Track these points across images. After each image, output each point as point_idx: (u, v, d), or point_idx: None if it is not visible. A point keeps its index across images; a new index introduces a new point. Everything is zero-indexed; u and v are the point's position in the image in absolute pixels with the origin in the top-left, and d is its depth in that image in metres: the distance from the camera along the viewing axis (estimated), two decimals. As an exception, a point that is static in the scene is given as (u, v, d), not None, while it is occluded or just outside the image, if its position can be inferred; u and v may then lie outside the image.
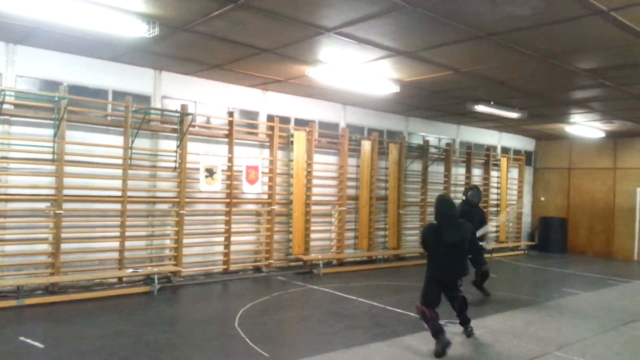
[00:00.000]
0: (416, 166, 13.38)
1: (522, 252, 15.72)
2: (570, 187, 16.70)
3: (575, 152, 16.57)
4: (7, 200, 7.53)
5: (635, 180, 15.15)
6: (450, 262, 5.74)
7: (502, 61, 7.63)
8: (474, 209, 8.70)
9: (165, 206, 9.21)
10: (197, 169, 9.21)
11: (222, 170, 9.54)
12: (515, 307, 7.99)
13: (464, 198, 8.96)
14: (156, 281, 8.26)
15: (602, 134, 14.70)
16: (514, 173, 16.46)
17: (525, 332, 6.57)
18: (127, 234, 8.47)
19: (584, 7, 5.27)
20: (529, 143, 17.48)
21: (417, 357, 5.44)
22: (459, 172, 14.68)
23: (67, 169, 7.86)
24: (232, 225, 9.78)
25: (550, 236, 16.38)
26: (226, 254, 9.73)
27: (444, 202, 5.95)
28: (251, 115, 10.49)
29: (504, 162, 15.61)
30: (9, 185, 7.57)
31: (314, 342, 5.99)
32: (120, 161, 8.42)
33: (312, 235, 11.04)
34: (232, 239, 9.79)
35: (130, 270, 8.38)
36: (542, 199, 17.36)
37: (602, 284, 10.73)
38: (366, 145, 11.97)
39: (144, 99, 9.00)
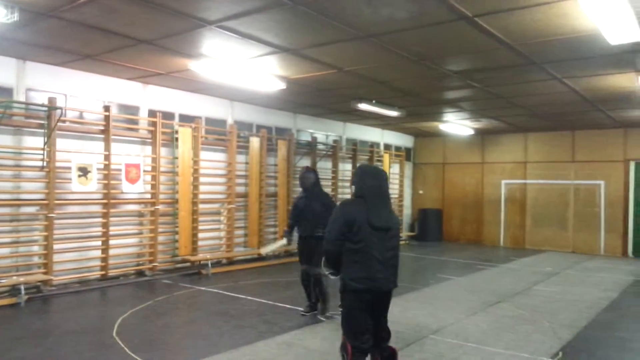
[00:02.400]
0: (305, 162, 13.56)
1: (404, 242, 16.68)
2: (444, 180, 18.04)
3: (448, 148, 17.92)
4: None
5: (500, 174, 16.76)
6: (386, 259, 3.97)
7: (381, 62, 7.97)
8: (314, 195, 7.15)
9: (32, 209, 8.36)
10: (69, 168, 8.48)
11: (98, 169, 8.88)
12: (395, 294, 8.42)
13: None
14: (23, 292, 7.48)
15: (472, 132, 16.05)
16: (396, 168, 17.39)
17: (403, 318, 6.95)
18: (-15, 241, 7.57)
19: (452, 12, 5.67)
20: (409, 140, 18.57)
21: (305, 352, 5.51)
22: (346, 167, 15.17)
23: None
24: (111, 228, 9.15)
25: (427, 226, 17.59)
26: (104, 259, 9.09)
27: (371, 170, 4.28)
28: (131, 110, 9.90)
29: (386, 157, 16.42)
30: None
31: (200, 345, 5.81)
32: (-25, 160, 7.49)
33: (200, 235, 10.72)
34: (111, 242, 9.17)
35: (-9, 281, 7.50)
36: (421, 192, 18.55)
37: (472, 269, 11.73)
38: (255, 142, 11.89)
39: (6, 91, 8.08)
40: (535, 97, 10.55)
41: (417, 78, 9.09)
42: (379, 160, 16.26)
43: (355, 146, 15.35)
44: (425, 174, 18.53)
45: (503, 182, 16.70)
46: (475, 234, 17.23)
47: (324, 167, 14.25)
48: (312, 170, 7.52)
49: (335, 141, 14.66)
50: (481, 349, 5.72)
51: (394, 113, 11.98)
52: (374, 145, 16.28)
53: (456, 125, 14.93)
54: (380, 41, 6.85)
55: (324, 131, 14.68)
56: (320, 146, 14.12)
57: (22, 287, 7.53)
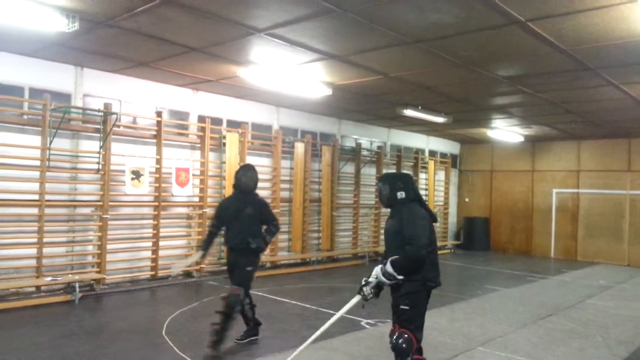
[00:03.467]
0: (349, 168, 13.57)
1: (449, 250, 16.37)
2: (492, 188, 17.60)
3: (496, 155, 17.48)
4: None
5: (551, 182, 16.20)
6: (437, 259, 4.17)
7: (428, 67, 7.89)
8: (248, 198, 5.96)
9: (87, 210, 8.74)
10: (123, 171, 8.81)
11: (150, 173, 9.19)
12: (441, 304, 8.26)
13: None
14: (77, 289, 7.82)
15: (522, 138, 15.60)
16: (441, 175, 17.11)
17: (450, 328, 6.81)
18: (45, 239, 7.94)
19: (503, 16, 5.55)
20: (455, 146, 18.25)
21: (349, 358, 5.49)
22: (390, 174, 15.02)
23: (-24, 171, 7.26)
24: (161, 230, 9.44)
25: (474, 235, 17.19)
26: (154, 260, 9.38)
27: (408, 176, 4.42)
28: (181, 115, 10.19)
29: (431, 164, 16.18)
30: None
31: (244, 347, 5.89)
32: (37, 162, 7.90)
33: (245, 239, 10.86)
34: (161, 243, 9.46)
35: (49, 278, 7.87)
36: (467, 199, 18.16)
37: (522, 280, 11.37)
38: (300, 148, 11.98)
39: (64, 97, 8.50)
40: (590, 103, 10.16)
41: (464, 83, 8.94)
42: (423, 167, 16.05)
43: (399, 152, 15.21)
44: (472, 182, 18.14)
45: (554, 190, 16.13)
46: (525, 244, 16.69)
47: (368, 173, 14.19)
48: (253, 167, 6.11)
49: (379, 147, 14.59)
50: (531, 363, 5.53)
51: (440, 119, 11.81)
52: (418, 151, 16.09)
53: (505, 131, 14.56)
54: (427, 46, 6.78)
55: (368, 137, 14.63)
56: (364, 152, 14.08)
57: (77, 285, 7.85)
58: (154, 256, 9.37)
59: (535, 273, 12.41)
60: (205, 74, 8.87)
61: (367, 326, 6.82)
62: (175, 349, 5.66)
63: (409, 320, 3.98)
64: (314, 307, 7.88)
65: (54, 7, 5.64)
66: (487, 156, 17.71)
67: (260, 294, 8.80)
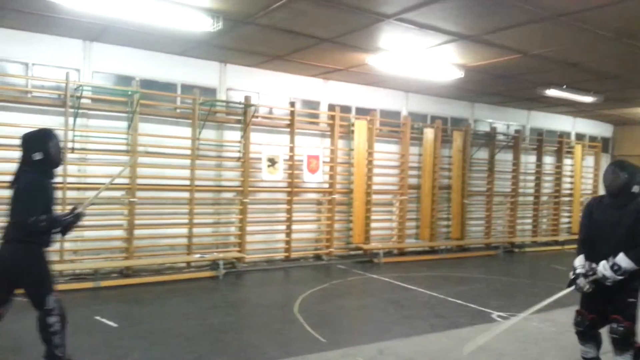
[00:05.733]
0: (482, 154, 12.96)
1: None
2: (652, 176, 15.53)
3: (659, 138, 15.39)
4: (85, 189, 8.07)
5: None
6: None
7: (573, 42, 7.22)
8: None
9: (230, 195, 9.53)
10: (260, 159, 9.44)
11: (284, 160, 9.71)
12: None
13: None
14: (221, 266, 8.59)
15: (691, 119, 13.55)
16: (589, 161, 15.54)
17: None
18: (194, 221, 8.85)
19: (665, -20, 4.88)
20: (607, 129, 16.42)
21: (478, 349, 5.32)
22: (529, 160, 14.06)
23: (140, 159, 8.28)
24: (294, 214, 9.96)
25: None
26: (287, 242, 9.94)
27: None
28: (312, 104, 10.58)
29: (578, 149, 14.77)
30: (87, 175, 8.12)
31: (372, 330, 6.02)
32: (188, 152, 8.79)
33: (373, 225, 11.01)
34: (294, 227, 9.98)
35: (198, 255, 8.76)
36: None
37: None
38: (429, 134, 11.74)
39: (210, 91, 9.32)
40: None
41: (617, 58, 8.01)
42: (569, 152, 14.73)
43: (540, 136, 14.12)
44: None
45: None
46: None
47: (504, 159, 13.40)
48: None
49: (517, 131, 13.68)
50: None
51: (588, 99, 10.73)
52: (563, 135, 14.76)
53: (669, 111, 12.77)
54: (572, 20, 6.20)
55: (504, 120, 13.81)
56: (500, 137, 13.32)
57: (221, 263, 8.63)
58: (288, 239, 9.93)
59: None
60: (335, 64, 9.10)
61: (498, 319, 6.53)
62: (306, 325, 5.97)
63: (633, 313, 3.94)
64: (441, 295, 7.74)
65: (200, 9, 6.21)
66: (647, 139, 15.68)
67: (387, 279, 8.88)
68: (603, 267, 3.86)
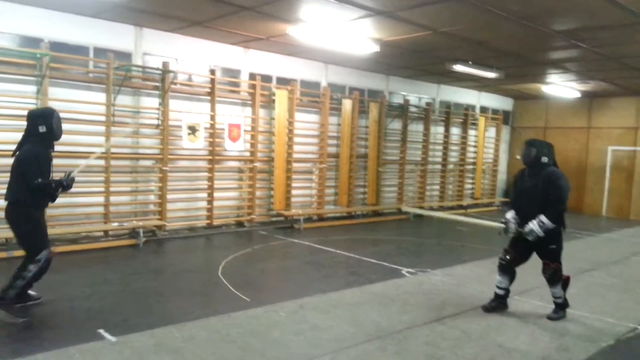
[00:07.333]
0: (396, 125, 13.66)
1: (497, 207, 16.32)
2: (545, 146, 17.14)
3: (551, 111, 16.98)
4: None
5: (607, 139, 15.68)
6: None
7: (479, 22, 7.81)
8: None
9: (148, 163, 9.40)
10: (180, 127, 9.36)
11: (205, 128, 9.70)
12: (486, 257, 8.47)
13: None
14: (141, 234, 8.55)
15: (578, 94, 15.06)
16: (492, 132, 16.87)
17: (488, 279, 6.99)
18: (111, 189, 8.68)
19: (553, -30, 5.47)
20: (507, 102, 17.83)
21: (388, 300, 5.88)
22: (438, 131, 15.02)
23: (51, 125, 7.92)
24: (215, 182, 10.04)
25: (524, 193, 16.94)
26: (209, 209, 10.03)
27: (552, 145, 5.61)
28: (233, 73, 10.57)
29: (481, 121, 15.97)
30: (-7, 141, 7.66)
31: (293, 289, 6.40)
32: (103, 118, 8.53)
33: (293, 192, 11.36)
34: (215, 194, 10.07)
35: (116, 224, 8.64)
36: (518, 157, 17.76)
37: (569, 237, 11.18)
38: (347, 104, 12.17)
39: (126, 56, 9.02)
40: (651, 57, 9.73)
41: (517, 38, 8.77)
42: (473, 124, 15.87)
43: (448, 109, 15.10)
44: (524, 139, 17.74)
45: (610, 148, 15.62)
46: (576, 201, 16.32)
47: (415, 130, 14.23)
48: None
49: (427, 104, 14.53)
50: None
51: (491, 74, 11.62)
52: (469, 107, 15.87)
53: (561, 87, 14.10)
54: (477, 1, 6.74)
55: (416, 93, 14.57)
56: (412, 109, 14.08)
57: (141, 231, 8.59)
58: (209, 206, 10.02)
59: (583, 230, 12.29)
60: (256, 33, 9.14)
61: (407, 274, 7.17)
62: (230, 286, 6.23)
63: (558, 256, 5.37)
64: (357, 256, 8.30)
65: (116, -29, 6.01)
66: (542, 112, 17.23)
67: (307, 243, 9.30)
68: (532, 224, 5.12)
